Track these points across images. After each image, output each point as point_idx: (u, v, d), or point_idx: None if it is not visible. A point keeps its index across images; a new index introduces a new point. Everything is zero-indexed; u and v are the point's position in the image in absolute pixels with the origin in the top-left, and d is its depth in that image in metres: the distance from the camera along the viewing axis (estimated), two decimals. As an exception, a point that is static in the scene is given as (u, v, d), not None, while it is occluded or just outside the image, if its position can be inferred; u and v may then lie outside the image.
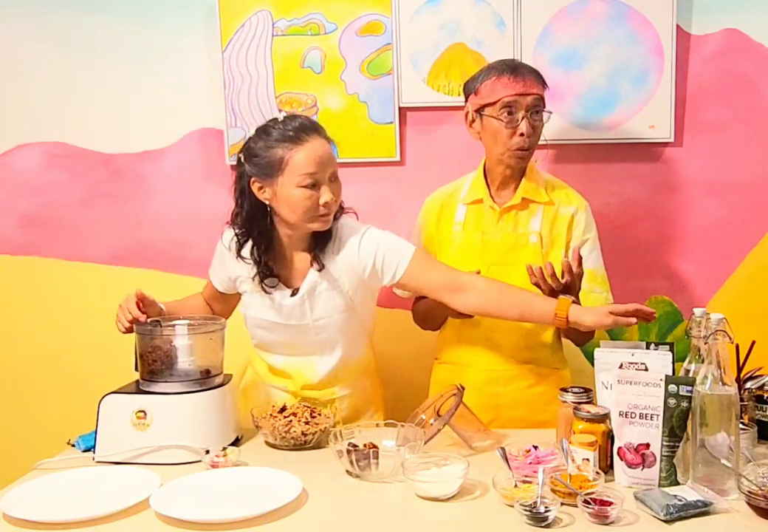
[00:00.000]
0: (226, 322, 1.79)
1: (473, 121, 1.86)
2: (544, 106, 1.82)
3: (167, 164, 2.36)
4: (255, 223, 1.73)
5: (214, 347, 1.72)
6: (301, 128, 1.66)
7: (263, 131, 1.70)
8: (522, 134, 1.78)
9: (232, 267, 1.82)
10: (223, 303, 1.94)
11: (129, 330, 1.73)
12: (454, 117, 2.28)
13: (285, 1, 2.25)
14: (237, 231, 1.76)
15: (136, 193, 2.37)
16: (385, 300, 2.27)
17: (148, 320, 1.72)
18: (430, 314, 1.96)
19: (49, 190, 2.38)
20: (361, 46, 2.26)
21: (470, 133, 1.89)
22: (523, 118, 1.77)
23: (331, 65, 2.27)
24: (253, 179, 1.69)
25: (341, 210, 1.78)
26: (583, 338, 1.92)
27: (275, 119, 1.71)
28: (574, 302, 1.65)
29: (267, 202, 1.70)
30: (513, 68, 1.79)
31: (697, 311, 1.46)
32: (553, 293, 1.69)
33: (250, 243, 1.76)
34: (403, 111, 2.29)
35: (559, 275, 1.68)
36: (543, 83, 1.82)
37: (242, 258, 1.76)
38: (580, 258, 1.69)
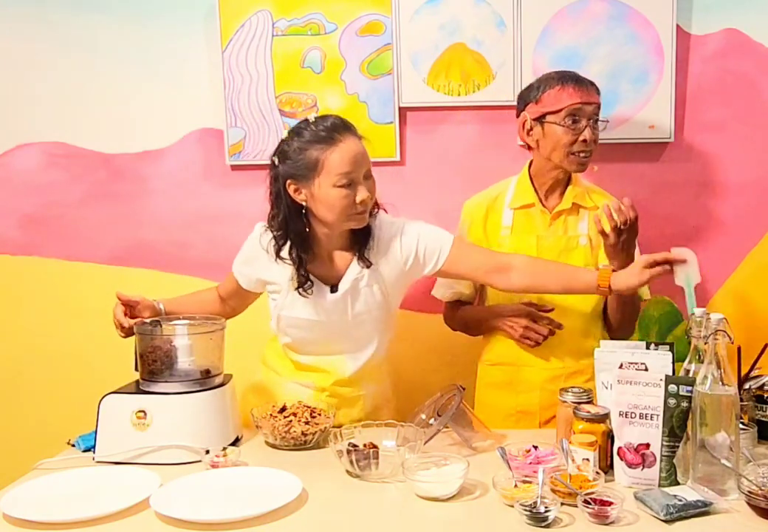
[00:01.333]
0: (226, 322, 1.79)
1: (531, 129, 1.90)
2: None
3: (167, 164, 2.36)
4: (292, 224, 1.73)
5: (214, 347, 1.72)
6: (334, 128, 1.67)
7: (296, 133, 1.69)
8: (585, 141, 1.84)
9: (263, 270, 1.81)
10: (241, 300, 1.93)
11: (128, 334, 1.74)
12: (454, 117, 2.29)
13: (285, 1, 2.25)
14: (275, 233, 1.75)
15: (136, 193, 2.37)
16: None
17: (149, 320, 1.73)
18: (480, 321, 1.99)
19: (49, 190, 2.38)
20: (361, 46, 2.26)
21: (526, 141, 1.94)
22: (586, 126, 1.84)
23: (331, 65, 2.27)
24: (288, 181, 1.69)
25: (376, 206, 1.79)
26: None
27: (306, 120, 1.70)
28: (613, 270, 1.68)
29: (303, 204, 1.71)
30: (576, 78, 1.86)
31: (697, 311, 1.46)
32: (619, 235, 1.70)
33: (288, 244, 1.76)
34: (403, 111, 2.29)
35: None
36: (599, 94, 1.89)
37: (282, 259, 1.76)
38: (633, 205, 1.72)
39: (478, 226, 1.97)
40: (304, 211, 1.72)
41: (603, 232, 1.72)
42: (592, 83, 1.88)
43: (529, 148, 1.96)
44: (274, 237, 1.76)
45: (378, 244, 1.78)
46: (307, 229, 1.74)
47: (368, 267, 1.76)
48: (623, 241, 1.72)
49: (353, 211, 1.68)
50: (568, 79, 1.86)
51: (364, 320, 1.79)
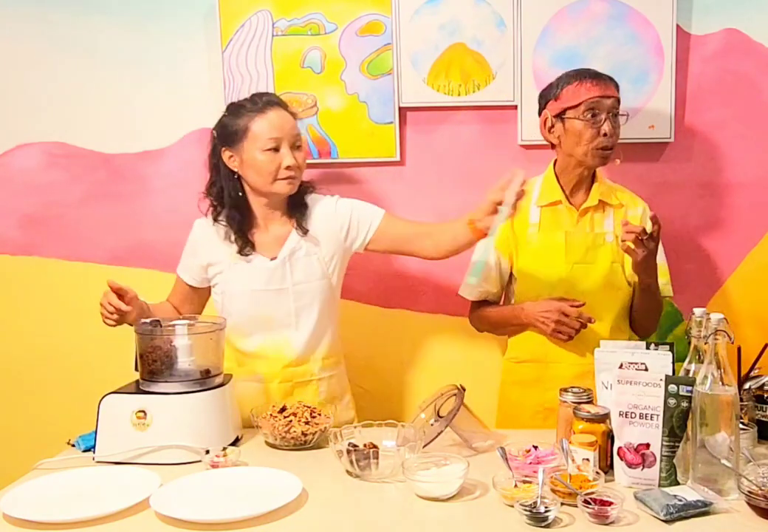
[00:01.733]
0: (226, 321, 1.79)
1: (552, 126, 1.94)
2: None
3: (167, 164, 2.35)
4: (227, 190, 1.87)
5: (214, 347, 1.72)
6: (267, 102, 1.84)
7: (233, 106, 1.88)
8: (605, 134, 1.87)
9: (206, 253, 1.90)
10: (193, 303, 1.98)
11: (119, 322, 1.74)
12: (454, 117, 2.29)
13: (285, 1, 2.25)
14: (213, 201, 1.90)
15: (136, 193, 2.36)
16: (375, 297, 2.28)
17: (149, 320, 1.72)
18: (509, 319, 1.99)
19: (49, 190, 2.37)
20: (361, 46, 2.26)
21: (548, 139, 1.97)
22: (605, 120, 1.86)
23: (331, 65, 2.27)
24: (223, 149, 1.85)
25: (312, 188, 1.92)
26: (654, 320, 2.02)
27: (245, 98, 1.88)
28: None
29: (236, 170, 1.85)
30: (593, 74, 1.90)
31: (697, 311, 1.46)
32: (644, 247, 1.74)
33: (225, 209, 1.88)
34: (403, 111, 2.29)
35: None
36: (618, 89, 1.91)
37: (219, 222, 1.89)
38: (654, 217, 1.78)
39: (506, 225, 1.97)
40: (237, 177, 1.86)
41: (629, 250, 1.77)
42: (610, 78, 1.91)
43: (553, 146, 1.98)
44: (212, 204, 1.90)
45: (314, 215, 1.90)
46: (241, 194, 1.87)
47: (305, 234, 1.86)
48: (647, 253, 1.76)
49: (280, 176, 1.80)
50: (585, 74, 1.90)
51: (304, 290, 1.87)
